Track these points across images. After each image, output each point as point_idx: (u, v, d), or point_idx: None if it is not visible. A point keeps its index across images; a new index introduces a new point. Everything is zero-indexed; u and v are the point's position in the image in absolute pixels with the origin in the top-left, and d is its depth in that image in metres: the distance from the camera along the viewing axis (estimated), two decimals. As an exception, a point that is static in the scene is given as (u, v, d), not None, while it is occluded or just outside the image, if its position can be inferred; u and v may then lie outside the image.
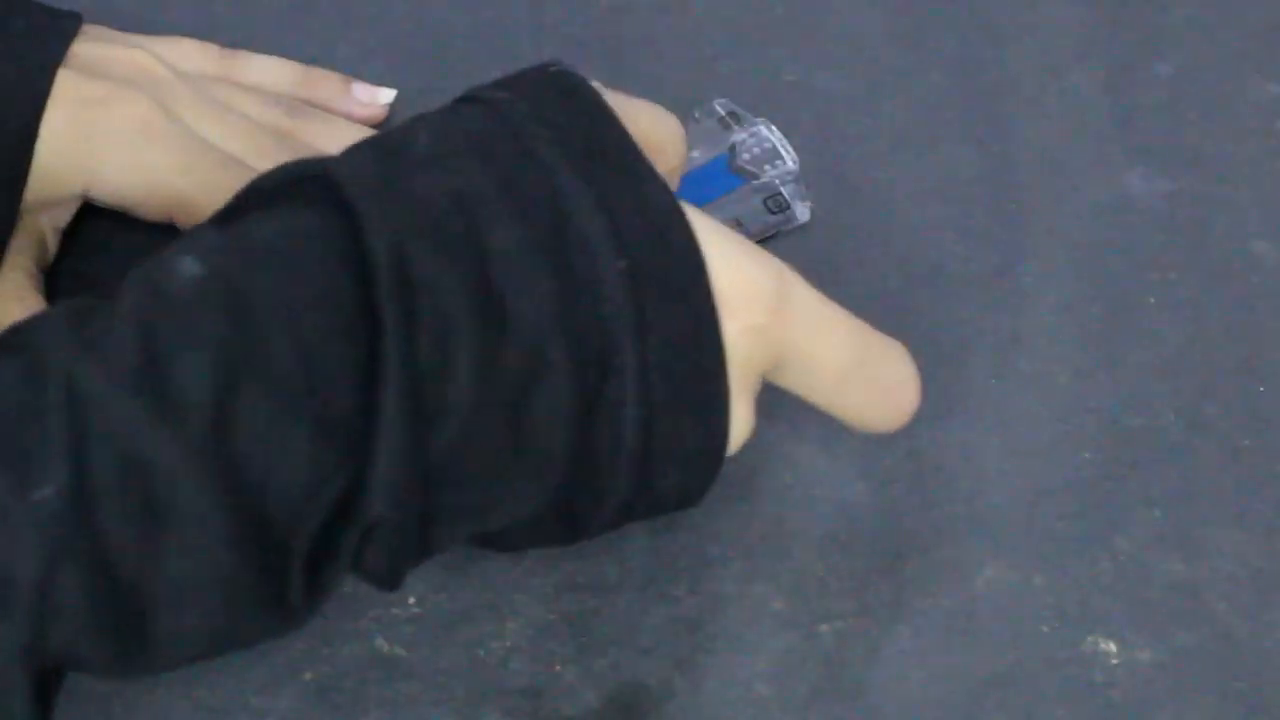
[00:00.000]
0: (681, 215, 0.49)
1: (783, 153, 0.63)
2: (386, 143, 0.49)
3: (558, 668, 0.55)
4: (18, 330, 0.46)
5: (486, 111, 0.50)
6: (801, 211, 0.63)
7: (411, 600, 0.55)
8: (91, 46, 0.59)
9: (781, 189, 0.63)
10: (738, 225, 0.62)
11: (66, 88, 0.57)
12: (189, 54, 0.62)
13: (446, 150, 0.48)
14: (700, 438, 0.49)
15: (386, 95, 0.64)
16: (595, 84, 0.51)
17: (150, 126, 0.58)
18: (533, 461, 0.48)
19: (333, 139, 0.62)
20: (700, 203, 0.62)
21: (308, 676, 0.54)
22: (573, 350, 0.47)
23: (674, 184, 0.54)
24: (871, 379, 0.53)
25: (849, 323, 0.52)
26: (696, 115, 0.64)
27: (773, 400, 0.59)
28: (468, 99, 0.51)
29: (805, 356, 0.51)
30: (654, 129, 0.52)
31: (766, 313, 0.50)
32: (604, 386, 0.47)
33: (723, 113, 0.64)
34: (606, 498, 0.49)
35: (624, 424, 0.48)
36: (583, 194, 0.48)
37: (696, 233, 0.49)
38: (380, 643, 0.55)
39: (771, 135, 0.64)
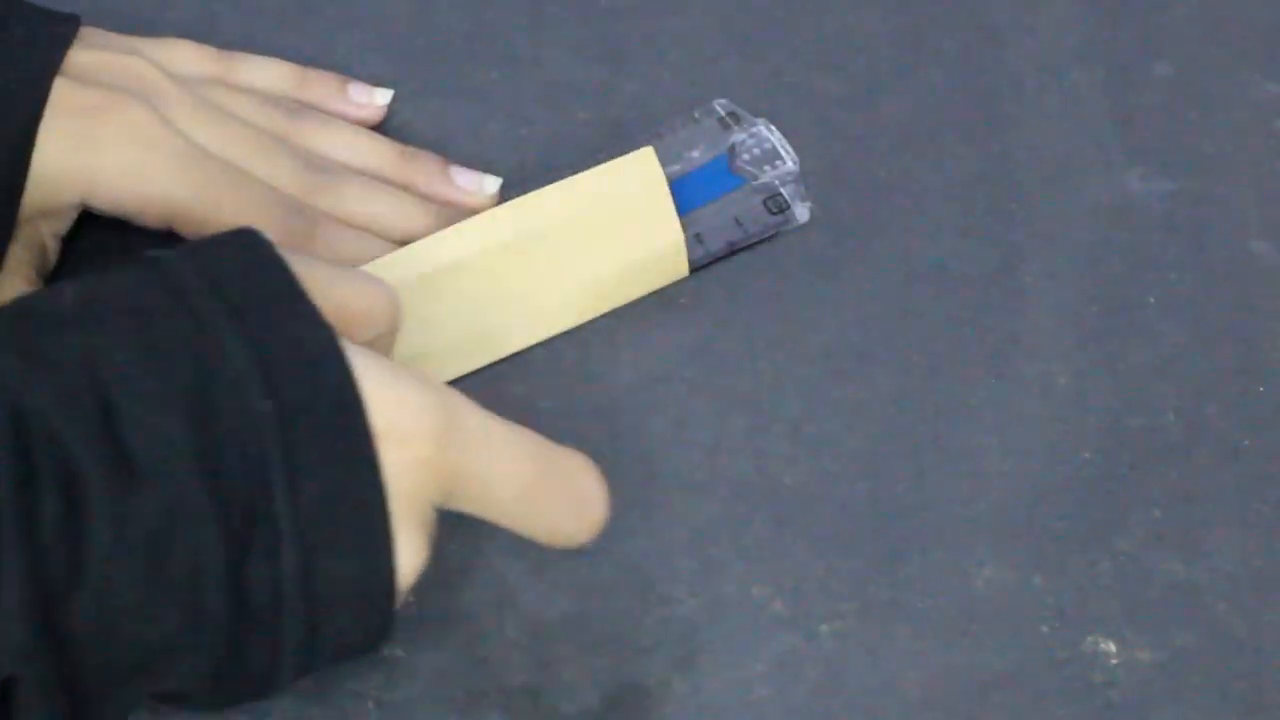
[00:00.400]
0: (339, 355, 0.48)
1: (782, 153, 0.63)
2: (30, 302, 0.49)
3: (558, 668, 0.55)
4: None
5: (144, 267, 0.49)
6: (801, 211, 0.63)
7: (411, 600, 0.55)
8: (88, 53, 0.59)
9: (781, 189, 0.63)
10: (737, 225, 0.62)
11: (64, 96, 0.57)
12: (186, 56, 0.62)
13: (90, 305, 0.48)
14: (365, 579, 0.48)
15: (383, 96, 0.64)
16: (283, 252, 0.50)
17: (147, 134, 0.58)
18: (185, 615, 0.46)
19: (331, 140, 0.62)
20: (700, 203, 0.62)
21: (308, 677, 0.54)
22: (217, 498, 0.46)
23: (387, 353, 0.54)
24: (552, 497, 0.51)
25: (524, 443, 0.51)
26: (696, 115, 0.64)
27: (772, 401, 0.59)
28: (139, 258, 0.50)
29: (479, 482, 0.50)
30: (355, 297, 0.52)
31: (432, 444, 0.49)
32: (255, 532, 0.46)
33: (723, 113, 0.64)
34: (279, 648, 0.48)
35: (282, 571, 0.47)
36: (234, 340, 0.47)
37: (356, 369, 0.48)
38: (380, 643, 0.55)
39: (771, 135, 0.64)
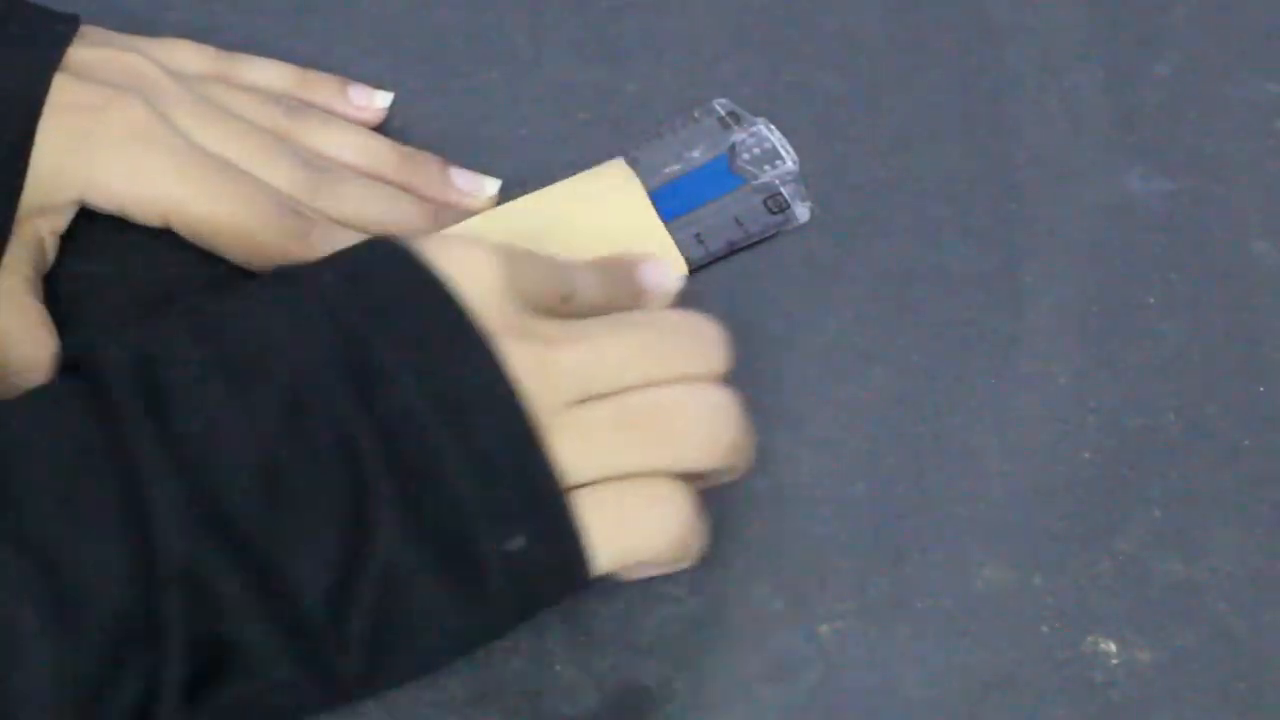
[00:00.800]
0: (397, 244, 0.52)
1: (782, 153, 0.63)
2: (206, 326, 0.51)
3: (558, 668, 0.55)
4: None
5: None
6: (801, 211, 0.63)
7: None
8: (88, 50, 0.59)
9: (781, 189, 0.63)
10: (738, 225, 0.62)
11: (63, 93, 0.57)
12: (186, 56, 0.62)
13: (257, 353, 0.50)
14: (480, 385, 0.50)
15: (383, 99, 0.64)
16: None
17: (146, 132, 0.58)
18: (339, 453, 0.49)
19: (330, 139, 0.62)
20: (700, 203, 0.62)
21: (307, 676, 0.54)
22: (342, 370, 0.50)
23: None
24: (627, 267, 0.56)
25: (587, 265, 0.56)
26: (696, 115, 0.64)
27: (772, 401, 0.59)
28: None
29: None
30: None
31: (496, 263, 0.52)
32: (370, 378, 0.49)
33: (723, 113, 0.64)
34: (443, 466, 0.49)
35: (406, 390, 0.49)
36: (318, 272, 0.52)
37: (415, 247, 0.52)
38: (380, 643, 0.55)
39: (771, 135, 0.64)
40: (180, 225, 0.59)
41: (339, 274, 0.52)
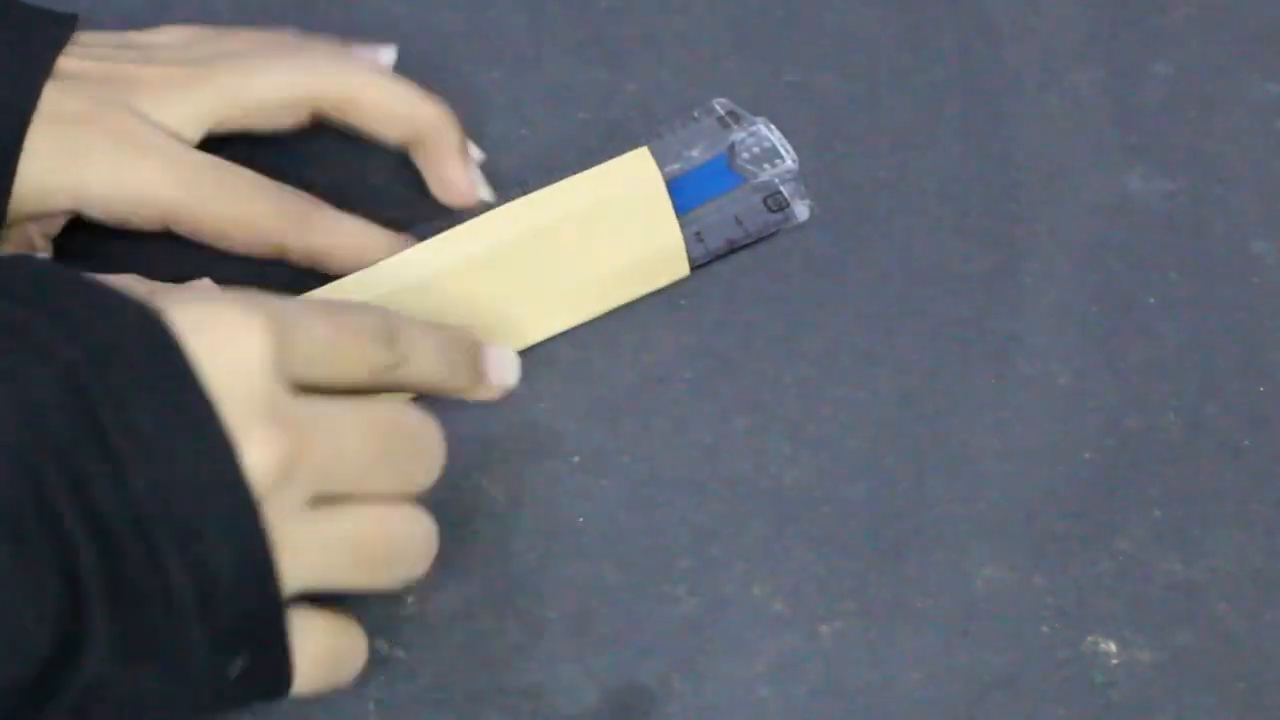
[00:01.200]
0: (126, 297, 0.47)
1: (782, 152, 0.63)
2: None
3: (558, 667, 0.55)
4: None
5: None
6: (801, 211, 0.63)
7: (411, 600, 0.55)
8: (79, 62, 0.59)
9: (781, 187, 0.63)
10: (737, 223, 0.62)
11: (50, 104, 0.57)
12: (179, 38, 0.62)
13: None
14: (218, 483, 0.47)
15: (388, 55, 0.63)
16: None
17: (135, 139, 0.57)
18: (55, 571, 0.45)
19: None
20: (700, 202, 0.62)
21: (307, 676, 0.54)
22: (46, 447, 0.45)
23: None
24: (472, 346, 0.54)
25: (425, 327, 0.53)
26: (696, 115, 0.64)
27: (772, 401, 0.60)
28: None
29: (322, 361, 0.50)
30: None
31: (256, 338, 0.48)
32: (92, 469, 0.45)
33: (722, 112, 0.64)
34: (170, 590, 0.46)
35: (132, 491, 0.45)
36: (24, 310, 0.46)
37: (162, 305, 0.47)
38: (380, 643, 0.55)
39: (771, 135, 0.64)
40: (180, 228, 0.58)
41: (84, 347, 0.46)
